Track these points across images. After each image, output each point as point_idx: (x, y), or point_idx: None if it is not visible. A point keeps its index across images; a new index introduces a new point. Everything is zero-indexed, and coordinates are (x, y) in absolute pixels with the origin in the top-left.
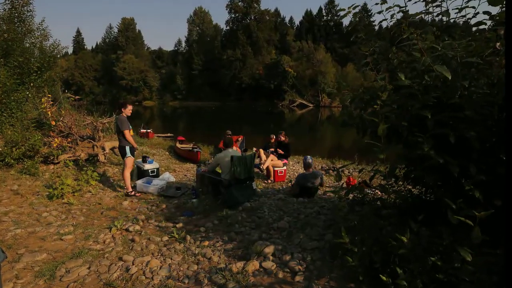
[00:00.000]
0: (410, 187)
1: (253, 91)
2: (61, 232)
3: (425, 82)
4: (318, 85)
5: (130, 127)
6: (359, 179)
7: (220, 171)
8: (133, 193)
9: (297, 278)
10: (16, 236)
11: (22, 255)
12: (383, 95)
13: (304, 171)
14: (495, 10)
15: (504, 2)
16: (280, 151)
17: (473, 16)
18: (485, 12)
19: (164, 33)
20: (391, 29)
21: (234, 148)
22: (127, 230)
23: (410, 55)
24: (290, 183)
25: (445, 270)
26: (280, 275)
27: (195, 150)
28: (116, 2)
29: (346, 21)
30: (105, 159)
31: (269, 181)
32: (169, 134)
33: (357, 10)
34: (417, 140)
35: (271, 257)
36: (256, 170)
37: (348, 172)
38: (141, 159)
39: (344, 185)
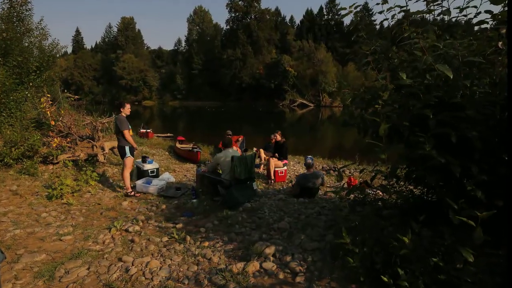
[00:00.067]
0: (411, 187)
1: (253, 90)
2: (60, 233)
3: (426, 81)
4: (319, 85)
5: (130, 127)
6: (360, 179)
7: (220, 171)
8: (132, 193)
9: (298, 279)
10: (15, 237)
11: (21, 256)
12: (384, 95)
13: (305, 172)
14: (497, 9)
15: (506, 1)
16: (276, 156)
17: (475, 16)
18: (487, 11)
19: (164, 32)
20: (392, 29)
21: (234, 148)
22: (126, 230)
23: (412, 54)
24: (290, 183)
25: (447, 271)
26: (281, 276)
27: (195, 150)
28: (115, 1)
29: (347, 20)
30: (104, 159)
31: (270, 181)
32: (169, 134)
33: (358, 9)
34: (418, 140)
35: (271, 258)
36: (256, 170)
37: (349, 172)
38: (140, 159)
39: (345, 185)
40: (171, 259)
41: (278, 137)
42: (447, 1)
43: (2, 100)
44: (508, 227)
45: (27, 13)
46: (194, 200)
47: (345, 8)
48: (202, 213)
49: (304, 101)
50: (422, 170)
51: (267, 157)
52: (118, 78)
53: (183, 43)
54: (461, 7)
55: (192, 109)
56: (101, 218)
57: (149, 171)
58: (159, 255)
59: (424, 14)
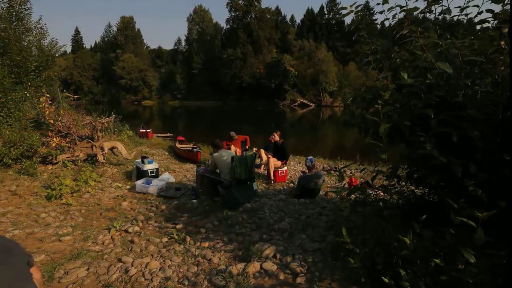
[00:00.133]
0: (412, 187)
1: (253, 90)
2: (59, 233)
3: (428, 81)
4: (320, 84)
5: None
6: (361, 179)
7: (218, 171)
8: None
9: (299, 280)
10: (14, 237)
11: None
12: (385, 94)
13: (306, 172)
14: (498, 8)
15: (508, 0)
16: (273, 157)
17: (477, 15)
18: (488, 10)
19: (164, 31)
20: (393, 28)
21: (236, 148)
22: (126, 231)
23: (413, 53)
24: (291, 184)
25: (449, 272)
26: (281, 276)
27: (195, 150)
28: (115, 1)
29: (348, 20)
30: (104, 159)
31: (271, 182)
32: (168, 134)
33: (359, 8)
34: (419, 140)
35: (272, 259)
36: (256, 170)
37: (350, 173)
38: (140, 159)
39: (346, 185)
40: (171, 260)
41: (277, 138)
42: (447, 1)
43: (1, 100)
44: (510, 228)
45: (26, 12)
46: (194, 201)
47: (346, 8)
48: (202, 213)
49: (305, 101)
50: (423, 170)
51: (267, 157)
52: (117, 77)
53: (183, 43)
54: (462, 6)
55: (192, 109)
56: (100, 218)
57: (149, 171)
58: (159, 255)
59: (425, 14)
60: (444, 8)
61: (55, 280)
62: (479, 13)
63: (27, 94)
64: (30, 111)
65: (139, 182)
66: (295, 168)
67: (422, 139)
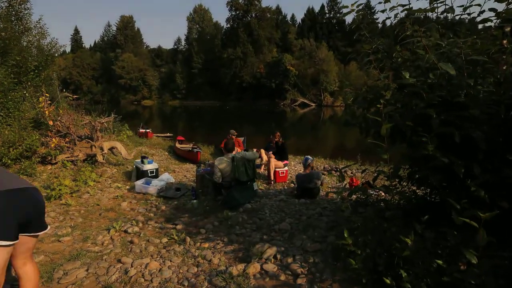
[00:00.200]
0: (414, 188)
1: (254, 90)
2: (59, 234)
3: (430, 80)
4: (320, 84)
5: None
6: (362, 179)
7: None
8: None
9: (299, 281)
10: None
11: None
12: (386, 94)
13: (302, 172)
14: (501, 7)
15: None
16: (271, 155)
17: (479, 14)
18: (491, 9)
19: (164, 31)
20: (395, 27)
21: (239, 150)
22: (125, 231)
23: (414, 53)
24: (292, 184)
25: (450, 273)
26: (282, 277)
27: (195, 150)
28: (114, 0)
29: (349, 19)
30: (103, 159)
31: (271, 182)
32: (168, 134)
33: (360, 7)
34: (421, 140)
35: (272, 259)
36: (257, 170)
37: (351, 173)
38: (140, 160)
39: (347, 186)
40: (170, 261)
41: (276, 138)
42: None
43: (0, 100)
44: None
45: (26, 12)
46: (194, 201)
47: (347, 7)
48: (202, 214)
49: (306, 101)
50: (425, 170)
51: (268, 158)
52: (117, 77)
53: (183, 42)
54: (464, 5)
55: (192, 108)
56: (100, 219)
57: (149, 171)
58: (159, 256)
59: (427, 13)
60: (447, 7)
61: (54, 280)
62: (482, 12)
63: (27, 94)
64: (30, 111)
65: (139, 183)
66: (296, 169)
67: (424, 139)
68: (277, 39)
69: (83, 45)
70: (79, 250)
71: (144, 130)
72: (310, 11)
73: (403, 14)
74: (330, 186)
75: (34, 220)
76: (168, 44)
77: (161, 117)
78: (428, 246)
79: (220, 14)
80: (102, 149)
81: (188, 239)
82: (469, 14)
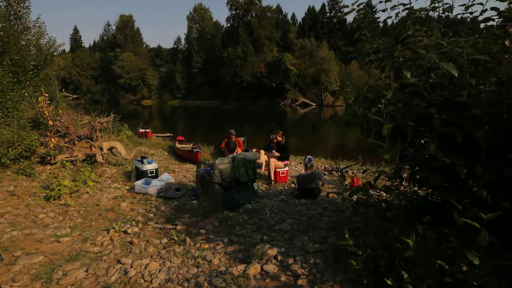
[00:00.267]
0: (415, 188)
1: (254, 89)
2: (58, 234)
3: (431, 80)
4: (321, 84)
5: None
6: (363, 180)
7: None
8: None
9: (300, 282)
10: (13, 238)
11: (18, 258)
12: (388, 94)
13: (303, 172)
14: (503, 6)
15: None
16: (276, 153)
17: (481, 13)
18: (493, 8)
19: (163, 30)
20: (396, 27)
21: (239, 150)
22: (125, 232)
23: (416, 52)
24: (292, 184)
25: (452, 274)
26: (283, 278)
27: (195, 150)
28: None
29: (350, 18)
30: (103, 159)
31: (271, 182)
32: (168, 134)
33: (361, 7)
34: (423, 140)
35: (273, 260)
36: (257, 170)
37: (352, 173)
38: (139, 160)
39: (348, 186)
40: (170, 261)
41: (279, 138)
42: None
43: None
44: None
45: (25, 11)
46: (194, 201)
47: (347, 6)
48: (202, 214)
49: (306, 100)
50: (426, 170)
51: (268, 158)
52: (116, 77)
53: (183, 41)
54: (466, 4)
55: (192, 108)
56: (99, 219)
57: (148, 171)
58: (158, 257)
59: (429, 12)
60: (447, 6)
61: (53, 281)
62: (483, 11)
63: (26, 94)
64: (29, 111)
65: (139, 183)
66: (296, 169)
67: (426, 140)
68: (277, 39)
69: (83, 44)
70: (79, 251)
71: (143, 130)
72: (310, 10)
73: (404, 13)
74: (331, 186)
75: None
76: (168, 43)
77: (161, 117)
78: (429, 247)
79: (220, 13)
80: (101, 149)
81: (188, 239)
82: (471, 13)
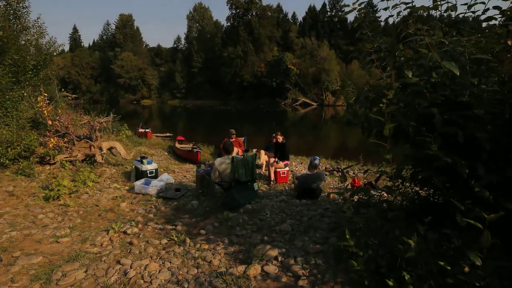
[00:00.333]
0: (417, 188)
1: (254, 89)
2: (57, 235)
3: (433, 79)
4: (322, 83)
5: None
6: (365, 180)
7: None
8: None
9: (301, 283)
10: (12, 239)
11: (17, 258)
12: (389, 93)
13: (308, 172)
14: (505, 5)
15: None
16: (272, 157)
17: (483, 12)
18: (495, 7)
19: (163, 30)
20: (397, 26)
21: (240, 151)
22: (125, 232)
23: (417, 51)
24: (293, 185)
25: (454, 275)
26: (283, 279)
27: (195, 150)
28: None
29: (351, 17)
30: (102, 159)
31: (271, 182)
32: (168, 134)
33: (362, 5)
34: (424, 140)
35: (273, 261)
36: (258, 171)
37: (353, 173)
38: (139, 160)
39: (349, 186)
40: (170, 262)
41: (280, 138)
42: None
43: None
44: None
45: (24, 11)
46: (194, 202)
47: (348, 5)
48: (202, 214)
49: (307, 100)
50: (428, 170)
51: (268, 158)
52: (116, 76)
53: (183, 41)
54: (468, 3)
55: (192, 108)
56: (99, 219)
57: (148, 171)
58: (158, 257)
59: (431, 11)
60: (450, 5)
61: (52, 282)
62: (486, 10)
63: (25, 94)
64: (28, 111)
65: (138, 183)
66: (297, 169)
67: (428, 139)
68: (278, 38)
69: (82, 44)
70: (78, 251)
71: (143, 130)
72: (311, 9)
73: (405, 12)
74: (331, 186)
75: None
76: (167, 43)
77: (161, 116)
78: (431, 248)
79: (221, 13)
80: (101, 149)
81: (188, 240)
82: (473, 12)
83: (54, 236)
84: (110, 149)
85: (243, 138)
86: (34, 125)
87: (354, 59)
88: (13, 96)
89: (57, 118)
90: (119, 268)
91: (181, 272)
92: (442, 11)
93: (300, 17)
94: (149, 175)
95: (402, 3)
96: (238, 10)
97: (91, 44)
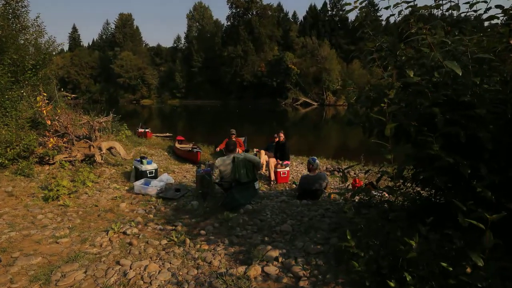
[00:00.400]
0: (418, 189)
1: (255, 89)
2: (56, 235)
3: (434, 79)
4: (323, 83)
5: None
6: (366, 180)
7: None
8: None
9: (301, 284)
10: (11, 239)
11: (16, 259)
12: (390, 93)
13: (308, 173)
14: (508, 4)
15: None
16: (272, 157)
17: (485, 11)
18: (497, 6)
19: (163, 29)
20: (399, 25)
21: (240, 151)
22: (124, 233)
23: (419, 51)
24: (294, 185)
25: (456, 276)
26: (284, 280)
27: (195, 150)
28: None
29: (352, 16)
30: (102, 159)
31: (272, 182)
32: (168, 134)
33: (363, 4)
34: (426, 140)
35: (274, 262)
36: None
37: (354, 173)
38: (139, 160)
39: (350, 186)
40: (170, 263)
41: (282, 137)
42: None
43: None
44: None
45: (23, 10)
46: (194, 202)
47: (349, 4)
48: (202, 215)
49: (307, 100)
50: (430, 171)
51: (268, 158)
52: (116, 76)
53: (183, 40)
54: (470, 2)
55: (192, 108)
56: (98, 220)
57: (148, 172)
58: (158, 258)
59: (432, 10)
60: (452, 4)
61: (52, 283)
62: (488, 9)
63: (24, 93)
64: (27, 111)
65: (138, 183)
66: (297, 169)
67: (430, 139)
68: (278, 37)
69: (81, 43)
70: (77, 252)
71: (143, 129)
72: (312, 9)
73: (407, 11)
74: (332, 187)
75: None
76: (167, 42)
77: (161, 116)
78: (433, 248)
79: (221, 12)
80: (100, 149)
81: (188, 240)
82: (475, 11)
83: (53, 237)
84: (109, 149)
85: (243, 138)
86: (33, 125)
87: (355, 59)
88: (12, 96)
89: (56, 118)
90: (119, 268)
91: (181, 273)
92: (444, 10)
93: (300, 16)
94: (148, 175)
95: (403, 2)
96: (238, 9)
97: (90, 44)
